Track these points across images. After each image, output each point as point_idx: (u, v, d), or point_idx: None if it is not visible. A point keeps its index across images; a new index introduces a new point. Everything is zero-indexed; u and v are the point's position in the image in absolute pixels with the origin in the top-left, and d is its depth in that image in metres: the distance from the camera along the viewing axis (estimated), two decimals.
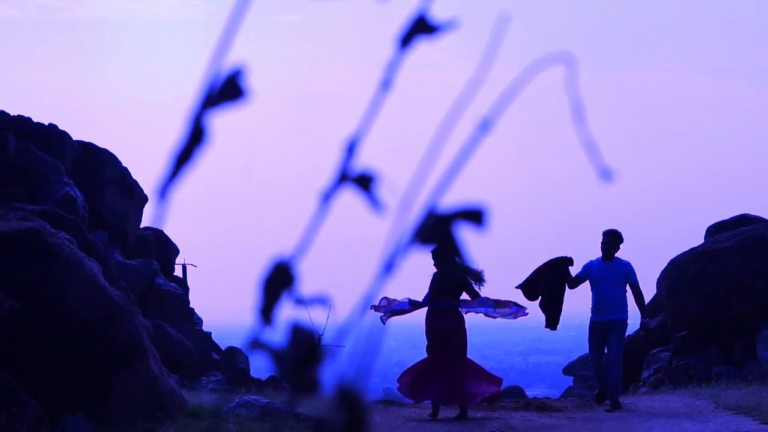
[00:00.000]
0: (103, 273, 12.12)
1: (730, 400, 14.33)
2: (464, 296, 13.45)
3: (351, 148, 1.12)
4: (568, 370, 34.62)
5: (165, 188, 1.06)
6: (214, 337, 20.10)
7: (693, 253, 20.72)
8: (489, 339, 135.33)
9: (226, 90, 1.08)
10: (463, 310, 13.44)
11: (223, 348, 20.10)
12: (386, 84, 1.14)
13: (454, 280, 13.34)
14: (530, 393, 29.78)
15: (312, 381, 1.09)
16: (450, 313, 13.34)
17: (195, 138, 1.07)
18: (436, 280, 13.41)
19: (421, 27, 1.15)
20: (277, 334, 1.12)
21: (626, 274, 13.92)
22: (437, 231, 1.07)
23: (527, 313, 13.82)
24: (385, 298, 13.57)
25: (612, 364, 13.83)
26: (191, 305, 19.47)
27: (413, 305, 13.56)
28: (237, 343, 23.69)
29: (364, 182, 1.12)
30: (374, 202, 1.06)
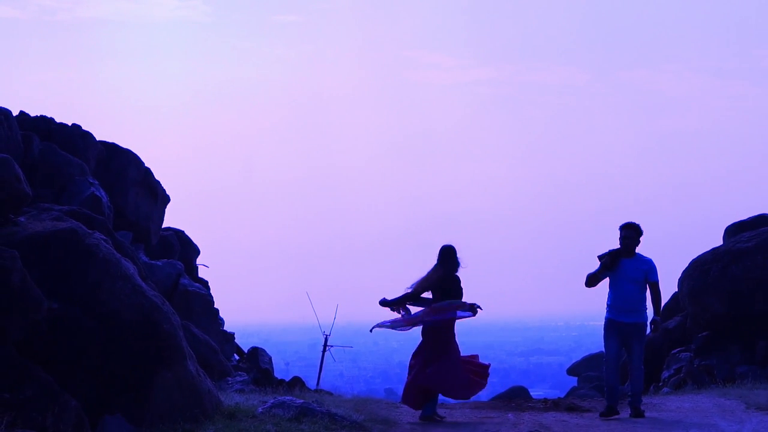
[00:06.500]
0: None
1: (760, 400, 14.29)
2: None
3: None
4: (572, 370, 34.63)
5: None
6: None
7: (715, 253, 20.70)
8: (490, 339, 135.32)
9: None
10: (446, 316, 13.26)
11: (245, 349, 20.06)
12: None
13: (449, 281, 13.23)
14: (533, 393, 29.75)
15: None
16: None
17: None
18: (441, 280, 13.25)
19: None
20: None
21: (646, 271, 13.24)
22: None
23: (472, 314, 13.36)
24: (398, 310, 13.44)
25: (634, 372, 13.31)
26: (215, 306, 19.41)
27: (383, 304, 13.36)
28: (254, 342, 23.65)
29: None
30: None
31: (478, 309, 13.22)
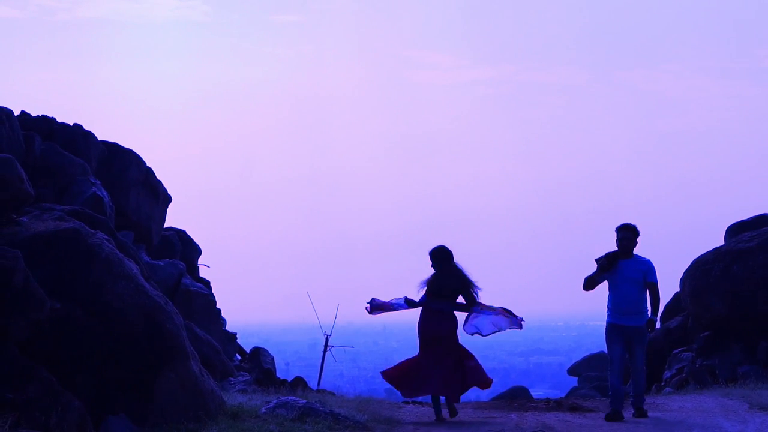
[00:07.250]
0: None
1: (762, 400, 14.29)
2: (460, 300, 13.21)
3: None
4: (572, 370, 34.60)
5: None
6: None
7: (717, 253, 20.69)
8: (490, 339, 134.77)
9: None
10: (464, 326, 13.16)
11: (247, 349, 20.03)
12: None
13: (453, 283, 13.10)
14: (533, 393, 29.76)
15: None
16: (444, 316, 13.04)
17: None
18: (433, 281, 13.16)
19: None
20: None
21: (645, 272, 13.16)
22: None
23: (521, 326, 13.41)
24: (374, 299, 13.43)
25: (637, 374, 13.28)
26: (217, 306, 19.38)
27: (410, 304, 13.25)
28: (254, 343, 23.64)
29: None
30: None
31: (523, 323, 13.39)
